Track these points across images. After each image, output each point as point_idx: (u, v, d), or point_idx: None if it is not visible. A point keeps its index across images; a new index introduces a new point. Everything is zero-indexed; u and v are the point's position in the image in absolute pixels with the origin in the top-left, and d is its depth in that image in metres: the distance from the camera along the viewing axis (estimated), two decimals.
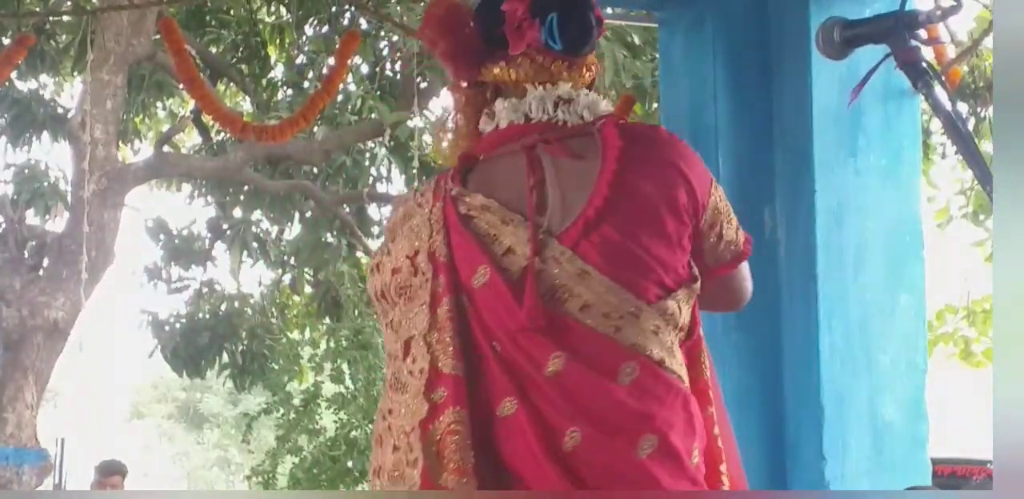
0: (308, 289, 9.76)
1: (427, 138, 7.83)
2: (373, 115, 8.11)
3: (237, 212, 9.55)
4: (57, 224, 8.85)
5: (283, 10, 8.30)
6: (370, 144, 8.96)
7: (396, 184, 9.01)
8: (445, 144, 1.66)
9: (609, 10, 4.11)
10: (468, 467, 1.43)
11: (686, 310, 1.55)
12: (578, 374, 1.46)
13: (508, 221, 1.52)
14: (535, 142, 1.56)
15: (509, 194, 1.54)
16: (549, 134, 1.57)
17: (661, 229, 1.51)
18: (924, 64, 1.37)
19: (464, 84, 1.64)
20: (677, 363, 1.53)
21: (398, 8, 7.14)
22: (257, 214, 9.45)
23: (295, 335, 10.44)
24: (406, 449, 1.48)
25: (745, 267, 1.71)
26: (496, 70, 1.60)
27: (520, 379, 1.47)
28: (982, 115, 6.54)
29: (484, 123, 1.63)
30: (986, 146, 5.76)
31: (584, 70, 1.62)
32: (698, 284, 1.57)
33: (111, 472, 6.98)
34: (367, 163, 8.99)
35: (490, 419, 1.46)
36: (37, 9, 7.29)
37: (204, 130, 9.51)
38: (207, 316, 9.55)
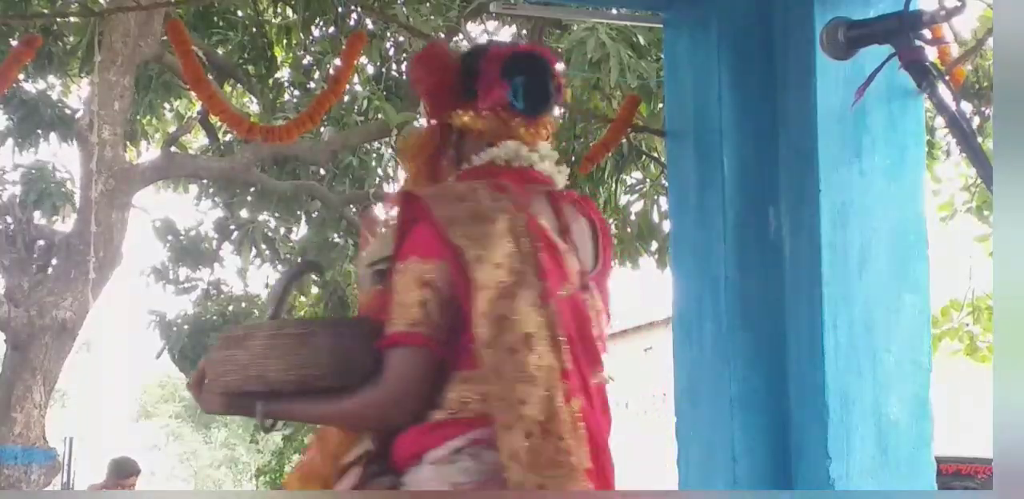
0: (315, 289, 9.78)
1: None
2: (379, 116, 8.11)
3: (244, 212, 9.57)
4: (65, 225, 8.88)
5: (289, 11, 8.32)
6: (376, 144, 8.97)
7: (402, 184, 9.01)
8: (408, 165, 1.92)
9: (615, 11, 4.12)
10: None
11: None
12: (601, 392, 1.74)
13: (566, 250, 1.75)
14: (546, 190, 1.81)
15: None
16: (551, 186, 1.82)
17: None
18: (928, 64, 1.37)
19: (434, 121, 1.87)
20: None
21: (404, 9, 7.15)
22: (264, 214, 9.47)
23: None
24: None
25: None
26: (466, 118, 1.81)
27: (582, 382, 1.68)
28: (986, 114, 6.54)
29: (452, 158, 1.86)
30: (990, 145, 5.76)
31: (541, 128, 1.84)
32: None
33: (129, 473, 7.00)
34: (373, 163, 9.00)
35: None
36: (45, 10, 7.32)
37: (211, 131, 9.54)
38: (214, 316, 9.58)
